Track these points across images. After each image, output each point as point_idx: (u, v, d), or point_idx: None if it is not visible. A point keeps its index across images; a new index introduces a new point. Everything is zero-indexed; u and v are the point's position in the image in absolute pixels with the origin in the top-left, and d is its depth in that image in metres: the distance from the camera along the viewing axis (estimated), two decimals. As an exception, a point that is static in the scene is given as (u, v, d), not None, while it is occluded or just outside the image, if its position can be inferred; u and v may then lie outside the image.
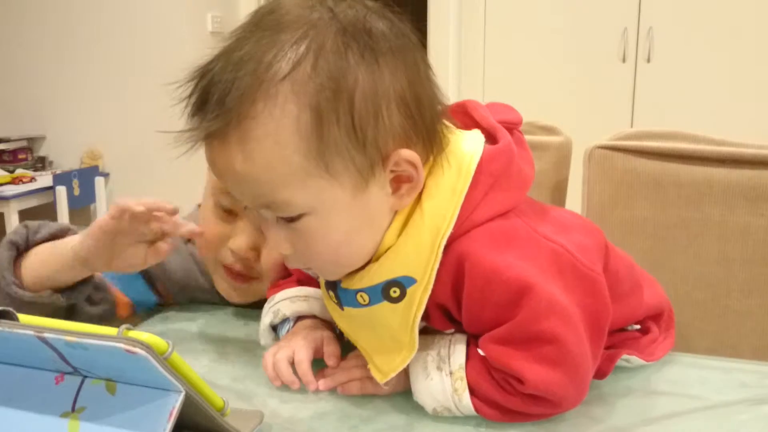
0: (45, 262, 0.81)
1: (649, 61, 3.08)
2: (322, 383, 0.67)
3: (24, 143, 3.61)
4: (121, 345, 0.46)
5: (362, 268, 0.62)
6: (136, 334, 0.48)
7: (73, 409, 0.51)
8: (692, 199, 0.96)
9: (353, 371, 0.68)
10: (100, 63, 3.48)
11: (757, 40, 2.87)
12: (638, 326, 0.76)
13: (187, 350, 0.77)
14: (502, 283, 0.58)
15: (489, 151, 0.62)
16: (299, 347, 0.69)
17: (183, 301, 0.93)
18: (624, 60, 3.10)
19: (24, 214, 3.18)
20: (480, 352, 0.62)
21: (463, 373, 0.62)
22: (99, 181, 3.41)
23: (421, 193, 0.61)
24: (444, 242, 0.59)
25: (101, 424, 0.50)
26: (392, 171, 0.59)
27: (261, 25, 0.57)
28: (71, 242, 0.79)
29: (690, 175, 0.96)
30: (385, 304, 0.62)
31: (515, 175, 0.63)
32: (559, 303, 0.58)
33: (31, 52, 3.57)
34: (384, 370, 0.64)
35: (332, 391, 0.67)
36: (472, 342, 0.64)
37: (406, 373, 0.65)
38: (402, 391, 0.66)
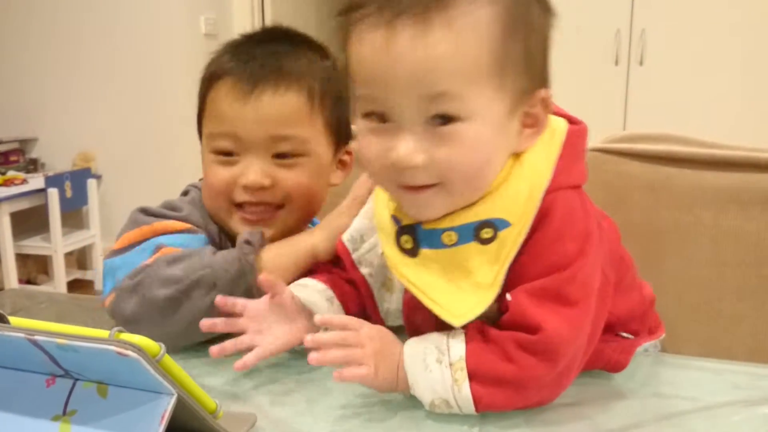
0: (281, 266, 0.81)
1: (641, 63, 3.09)
2: (314, 359, 0.64)
3: (16, 145, 3.60)
4: (113, 347, 0.46)
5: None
6: (128, 336, 0.48)
7: (64, 413, 0.51)
8: (684, 203, 0.96)
9: (353, 353, 0.65)
10: (92, 65, 3.47)
11: (749, 43, 2.88)
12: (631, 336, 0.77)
13: (179, 352, 0.77)
14: (572, 240, 0.63)
15: (572, 128, 0.67)
16: (264, 341, 0.71)
17: None
18: (617, 62, 3.12)
19: (15, 216, 3.17)
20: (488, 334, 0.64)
21: (463, 364, 0.63)
22: (91, 183, 3.40)
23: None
24: (543, 194, 0.63)
25: (93, 427, 0.50)
26: (525, 111, 0.64)
27: None
28: (309, 241, 0.82)
29: (682, 179, 0.97)
30: (473, 245, 0.63)
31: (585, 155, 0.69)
32: (596, 279, 0.64)
33: (24, 54, 3.56)
34: (458, 313, 0.64)
35: (325, 393, 0.67)
36: (470, 326, 0.65)
37: (402, 371, 0.65)
38: (396, 391, 0.66)
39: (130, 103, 3.45)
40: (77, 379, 0.52)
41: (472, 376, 0.62)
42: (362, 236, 0.78)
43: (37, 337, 0.48)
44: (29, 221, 3.33)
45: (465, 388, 0.62)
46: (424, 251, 0.66)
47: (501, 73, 0.60)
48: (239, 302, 0.71)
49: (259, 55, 0.84)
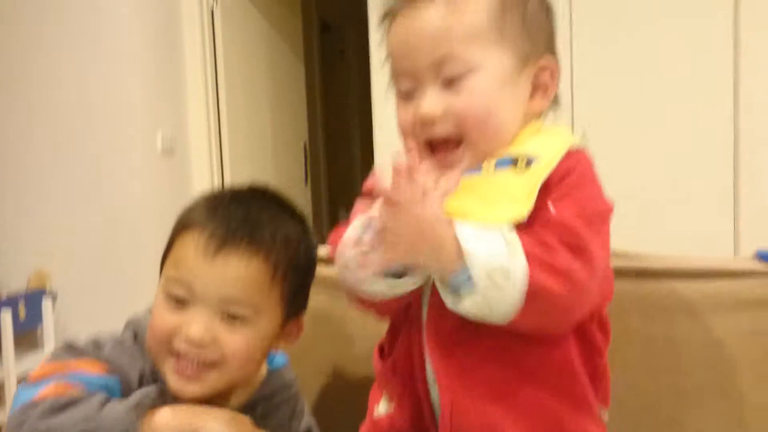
0: None
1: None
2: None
3: (-31, 268, 3.54)
4: None
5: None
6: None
7: None
8: (612, 313, 0.99)
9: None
10: (47, 181, 3.47)
11: (680, 148, 3.02)
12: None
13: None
14: (598, 190, 0.78)
15: None
16: None
17: None
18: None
19: (-34, 342, 3.08)
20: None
21: (515, 239, 0.68)
22: (46, 303, 3.34)
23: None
24: (569, 148, 0.77)
25: None
26: (535, 77, 0.80)
27: None
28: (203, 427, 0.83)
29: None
30: (509, 171, 0.75)
31: None
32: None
33: (-21, 176, 3.55)
34: (494, 219, 0.71)
35: None
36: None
37: (449, 237, 0.68)
38: (433, 261, 0.69)
39: (85, 219, 3.44)
40: None
41: (528, 259, 0.67)
42: None
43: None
44: (-21, 346, 3.24)
45: (520, 256, 0.66)
46: (463, 179, 0.75)
47: (500, 34, 0.77)
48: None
49: (235, 217, 0.87)
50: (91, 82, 3.39)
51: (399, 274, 0.77)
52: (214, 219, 0.86)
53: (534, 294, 0.66)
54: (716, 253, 1.04)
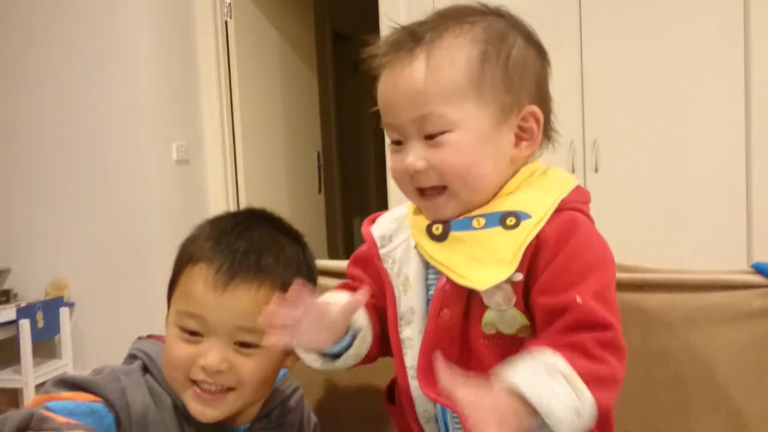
0: None
1: (597, 171, 3.22)
2: None
3: (-12, 277, 3.61)
4: None
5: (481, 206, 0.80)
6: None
7: None
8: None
9: None
10: (64, 192, 3.53)
11: (692, 146, 3.03)
12: None
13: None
14: (600, 247, 0.80)
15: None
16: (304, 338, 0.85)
17: None
18: (573, 170, 3.24)
19: (-14, 350, 3.14)
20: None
21: (570, 370, 0.69)
22: (64, 311, 3.40)
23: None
24: (562, 198, 0.79)
25: None
26: (519, 126, 0.81)
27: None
28: None
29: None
30: (499, 229, 0.78)
31: None
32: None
33: (-4, 186, 3.62)
34: (482, 279, 0.76)
35: None
36: (542, 341, 0.73)
37: (519, 407, 0.67)
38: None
39: (102, 229, 3.49)
40: None
41: (586, 382, 0.69)
42: (391, 236, 0.91)
43: None
44: (0, 353, 3.30)
45: (585, 392, 0.68)
46: (454, 234, 0.80)
47: (479, 91, 0.79)
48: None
49: (240, 248, 0.90)
50: (106, 95, 3.45)
51: (335, 355, 0.88)
52: (220, 252, 0.90)
53: (601, 411, 0.71)
54: (730, 265, 1.05)
